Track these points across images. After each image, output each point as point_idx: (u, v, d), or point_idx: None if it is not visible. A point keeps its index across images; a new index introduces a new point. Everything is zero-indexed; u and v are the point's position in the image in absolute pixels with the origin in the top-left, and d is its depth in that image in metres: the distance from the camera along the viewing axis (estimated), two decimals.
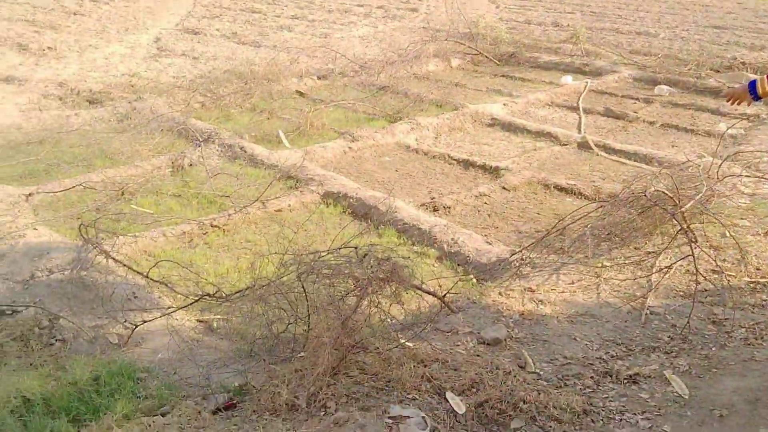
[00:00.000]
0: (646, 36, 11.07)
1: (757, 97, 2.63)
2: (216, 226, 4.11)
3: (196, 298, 3.00)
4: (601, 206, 3.90)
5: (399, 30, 11.32)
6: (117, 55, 8.85)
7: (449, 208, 4.58)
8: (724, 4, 16.04)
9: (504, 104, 6.89)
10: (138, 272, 3.34)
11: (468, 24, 10.10)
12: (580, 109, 6.77)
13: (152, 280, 3.22)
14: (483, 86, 7.83)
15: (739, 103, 2.78)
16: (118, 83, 7.41)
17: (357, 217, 4.47)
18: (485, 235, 4.13)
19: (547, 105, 7.08)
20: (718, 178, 4.07)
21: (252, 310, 2.66)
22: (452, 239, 3.99)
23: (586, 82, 7.64)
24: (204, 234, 4.08)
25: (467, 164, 5.43)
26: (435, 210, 4.55)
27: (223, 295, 2.92)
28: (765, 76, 2.61)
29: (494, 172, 5.21)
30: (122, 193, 4.56)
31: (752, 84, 2.63)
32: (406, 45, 9.12)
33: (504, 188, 4.89)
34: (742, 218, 3.85)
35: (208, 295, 2.95)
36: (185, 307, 3.09)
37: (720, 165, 4.13)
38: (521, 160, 5.49)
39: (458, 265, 3.82)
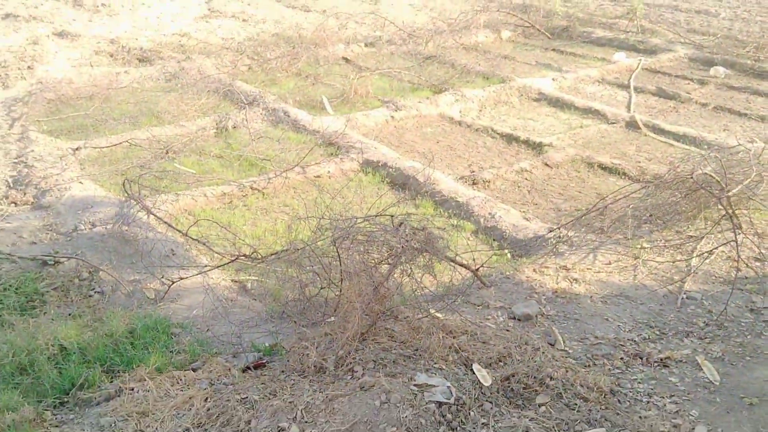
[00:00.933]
0: (706, 15, 10.66)
1: None
2: (256, 189, 4.16)
3: (233, 258, 3.05)
4: (645, 187, 3.82)
5: None
6: (168, 14, 8.92)
7: (489, 182, 4.54)
8: None
9: (553, 79, 6.75)
10: (177, 230, 3.41)
11: None
12: (631, 87, 6.59)
13: (191, 238, 3.29)
14: (532, 60, 7.68)
15: None
16: (168, 42, 7.50)
17: (395, 187, 4.47)
18: (523, 211, 4.09)
19: (597, 82, 6.91)
20: None
21: (286, 272, 2.70)
22: (489, 213, 3.97)
23: (640, 60, 7.42)
24: (244, 196, 4.14)
25: (510, 139, 5.36)
26: (474, 183, 4.51)
27: (259, 256, 2.97)
28: None
29: (538, 147, 5.13)
30: (166, 152, 4.64)
31: None
32: (456, 14, 8.98)
33: (546, 165, 4.82)
34: None
35: (245, 255, 3.00)
36: (221, 266, 3.15)
37: None
38: (566, 137, 5.39)
39: (494, 239, 3.80)
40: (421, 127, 5.69)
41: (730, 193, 3.25)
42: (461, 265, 3.06)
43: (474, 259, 3.30)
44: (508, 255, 3.60)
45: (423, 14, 9.72)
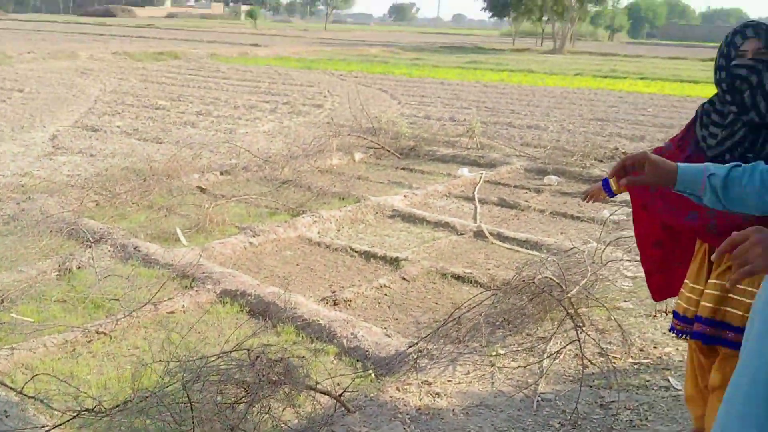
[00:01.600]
0: (537, 129, 11.80)
1: (611, 194, 2.80)
2: (102, 333, 3.90)
3: (74, 415, 2.80)
4: (495, 294, 4.01)
5: (304, 125, 11.57)
6: (8, 154, 8.54)
7: (350, 301, 4.57)
8: (607, 98, 17.45)
9: (404, 196, 7.07)
10: (11, 388, 3.09)
11: (371, 119, 10.46)
12: (476, 199, 7.04)
13: (27, 396, 2.99)
14: (385, 179, 8.04)
15: (595, 200, 2.93)
16: (7, 183, 7.12)
17: (255, 315, 4.37)
18: (385, 328, 4.13)
19: (445, 196, 7.33)
20: (602, 263, 4.29)
21: (132, 425, 2.51)
22: (351, 334, 3.96)
23: (481, 174, 8.00)
24: (88, 341, 3.86)
25: (368, 256, 5.48)
26: (335, 304, 4.52)
27: (103, 409, 2.75)
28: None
29: (395, 262, 5.28)
30: (2, 302, 4.28)
31: (605, 181, 2.80)
32: (310, 140, 9.31)
33: (404, 279, 4.95)
34: (625, 301, 4.04)
35: (87, 410, 2.76)
36: (61, 425, 2.87)
37: (603, 250, 4.35)
38: (421, 250, 5.61)
39: (357, 360, 3.77)
40: (280, 251, 5.69)
41: (569, 294, 3.48)
42: (323, 392, 3.00)
43: (338, 384, 3.24)
44: (372, 375, 3.57)
45: (278, 140, 9.99)
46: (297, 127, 11.44)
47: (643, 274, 4.54)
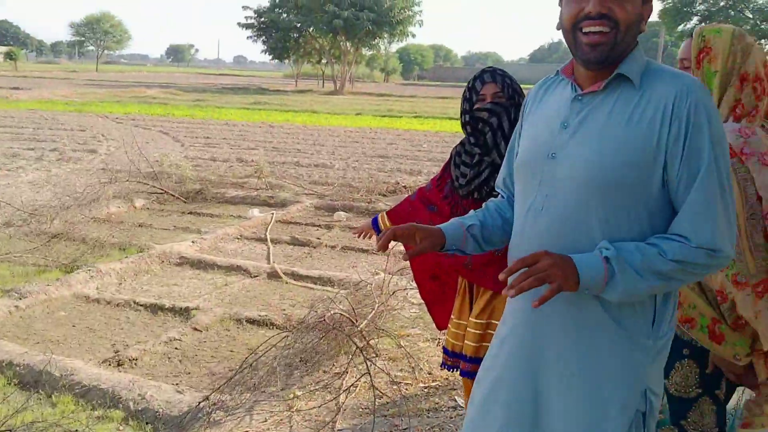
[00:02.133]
0: (323, 167, 12.11)
1: (379, 231, 2.86)
2: None
3: None
4: (290, 334, 3.99)
5: (76, 172, 10.72)
6: None
7: (136, 359, 4.26)
8: (386, 136, 18.47)
9: (192, 242, 6.82)
10: None
11: (151, 163, 9.99)
12: (268, 240, 7.01)
13: None
14: (170, 225, 7.69)
15: (368, 237, 2.95)
16: None
17: (26, 387, 3.89)
18: (176, 384, 3.91)
19: (236, 239, 7.20)
20: (389, 293, 4.48)
21: None
22: (139, 395, 3.68)
23: (272, 214, 7.99)
24: None
25: (155, 308, 5.17)
26: (120, 365, 4.19)
27: None
28: (385, 213, 2.87)
29: (185, 313, 5.04)
30: None
31: (375, 219, 2.88)
32: (83, 188, 8.63)
33: (196, 329, 4.74)
34: (412, 327, 4.25)
35: None
36: None
37: (389, 280, 4.55)
38: (212, 297, 5.42)
39: (147, 423, 3.51)
40: (52, 312, 5.16)
41: (360, 327, 3.57)
42: None
43: None
44: None
45: (46, 190, 9.13)
46: (68, 174, 10.56)
47: None
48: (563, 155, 1.53)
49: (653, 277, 1.44)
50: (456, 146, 2.56)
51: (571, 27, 1.50)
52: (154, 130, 17.79)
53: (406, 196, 2.86)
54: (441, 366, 2.67)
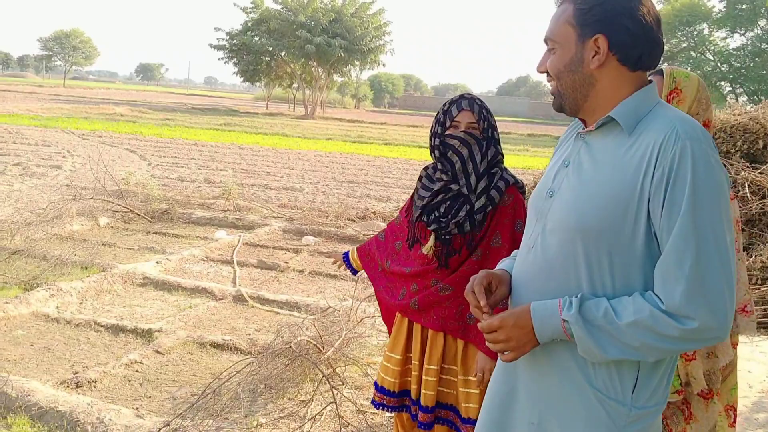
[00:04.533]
0: (293, 191, 12.08)
1: (354, 272, 2.83)
2: None
3: None
4: (255, 359, 3.93)
5: (39, 188, 10.50)
6: None
7: (95, 382, 4.15)
8: (356, 161, 18.53)
9: (157, 262, 6.71)
10: None
11: (117, 181, 9.84)
12: (235, 263, 6.93)
13: None
14: (134, 244, 7.56)
15: (340, 267, 2.90)
16: None
17: None
18: (136, 408, 3.81)
19: (202, 260, 7.11)
20: (357, 320, 4.45)
21: None
22: (97, 419, 3.58)
23: (240, 236, 7.91)
24: None
25: (117, 330, 5.06)
26: (78, 387, 4.07)
27: None
28: (355, 248, 2.83)
29: (147, 335, 4.94)
30: None
31: (346, 256, 2.85)
32: (45, 204, 8.45)
33: (158, 352, 4.64)
34: (379, 356, 4.21)
35: None
36: None
37: (357, 307, 4.53)
38: (176, 319, 5.32)
39: None
40: (10, 330, 5.01)
41: (326, 355, 3.54)
42: None
43: None
44: None
45: (7, 206, 8.92)
46: (30, 190, 10.33)
47: None
48: (558, 194, 1.51)
49: (618, 347, 1.35)
50: (424, 168, 2.54)
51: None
52: (121, 147, 17.57)
53: (375, 235, 2.81)
54: (371, 403, 2.56)
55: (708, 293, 1.29)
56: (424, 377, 2.40)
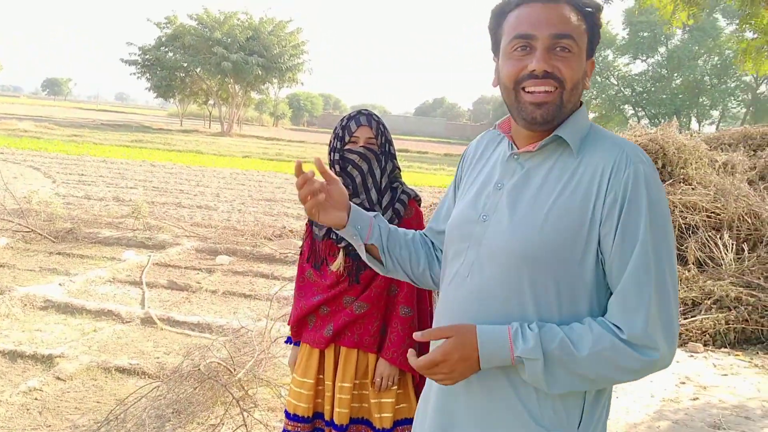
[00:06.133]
0: (207, 209, 11.82)
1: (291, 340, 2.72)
2: None
3: None
4: (163, 383, 3.80)
5: None
6: None
7: None
8: (274, 179, 18.36)
9: (60, 284, 6.40)
10: None
11: (18, 200, 9.34)
12: (144, 284, 6.70)
13: None
14: (36, 266, 7.18)
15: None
16: None
17: None
18: None
19: (109, 282, 6.83)
20: (271, 340, 4.38)
21: None
22: None
23: (149, 256, 7.66)
24: None
25: (14, 356, 4.78)
26: None
27: None
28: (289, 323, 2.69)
29: (48, 361, 4.69)
30: None
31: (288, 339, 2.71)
32: None
33: (59, 378, 4.41)
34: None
35: None
36: None
37: (271, 327, 4.46)
38: (79, 344, 5.08)
39: None
40: None
41: (238, 377, 3.47)
42: None
43: None
44: None
45: None
46: None
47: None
48: (494, 219, 1.40)
49: (570, 379, 1.30)
50: None
51: (513, 85, 1.36)
52: (23, 164, 16.70)
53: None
54: None
55: (665, 321, 1.27)
56: (337, 396, 2.39)
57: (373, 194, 2.38)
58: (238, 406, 3.28)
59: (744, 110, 43.52)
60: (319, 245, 2.47)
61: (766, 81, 40.68)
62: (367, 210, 2.35)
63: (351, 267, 2.40)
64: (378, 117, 2.46)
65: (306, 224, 2.58)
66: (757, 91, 42.51)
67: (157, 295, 6.48)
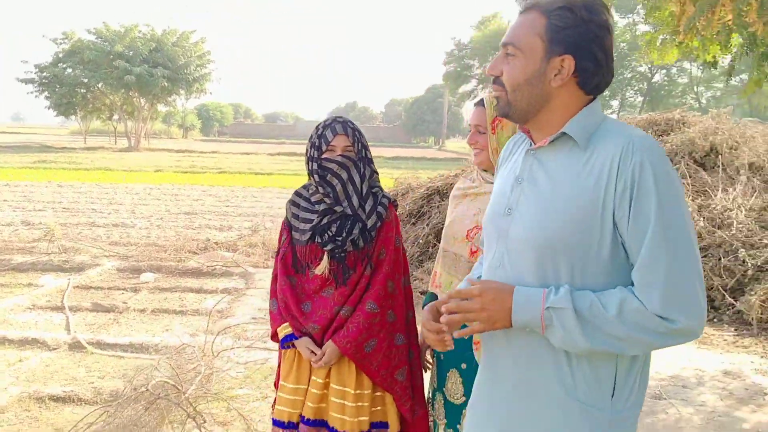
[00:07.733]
0: (124, 227, 11.41)
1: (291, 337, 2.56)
2: None
3: None
4: (104, 410, 3.64)
5: None
6: None
7: None
8: (191, 192, 17.91)
9: None
10: None
11: None
12: (66, 308, 6.38)
13: None
14: None
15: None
16: None
17: None
18: None
19: (29, 309, 6.46)
20: (213, 355, 4.28)
21: None
22: None
23: (69, 280, 7.31)
24: None
25: None
26: None
27: None
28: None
29: None
30: None
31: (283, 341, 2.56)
32: None
33: None
34: (241, 388, 4.09)
35: None
36: None
37: (213, 341, 4.36)
38: (6, 375, 4.78)
39: None
40: None
41: (187, 394, 3.37)
42: None
43: None
44: None
45: None
46: None
47: (255, 359, 4.69)
48: (517, 212, 1.50)
49: (602, 338, 1.37)
50: (292, 197, 2.54)
51: None
52: None
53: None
54: None
55: (683, 297, 1.35)
56: (339, 400, 2.37)
57: (355, 200, 2.41)
58: (195, 422, 3.18)
59: (641, 99, 45.98)
60: (302, 250, 2.45)
61: (659, 71, 43.16)
62: (350, 216, 2.40)
63: (337, 270, 2.40)
64: (353, 123, 2.48)
65: (282, 229, 2.54)
66: (652, 81, 45.01)
67: (82, 319, 6.19)
